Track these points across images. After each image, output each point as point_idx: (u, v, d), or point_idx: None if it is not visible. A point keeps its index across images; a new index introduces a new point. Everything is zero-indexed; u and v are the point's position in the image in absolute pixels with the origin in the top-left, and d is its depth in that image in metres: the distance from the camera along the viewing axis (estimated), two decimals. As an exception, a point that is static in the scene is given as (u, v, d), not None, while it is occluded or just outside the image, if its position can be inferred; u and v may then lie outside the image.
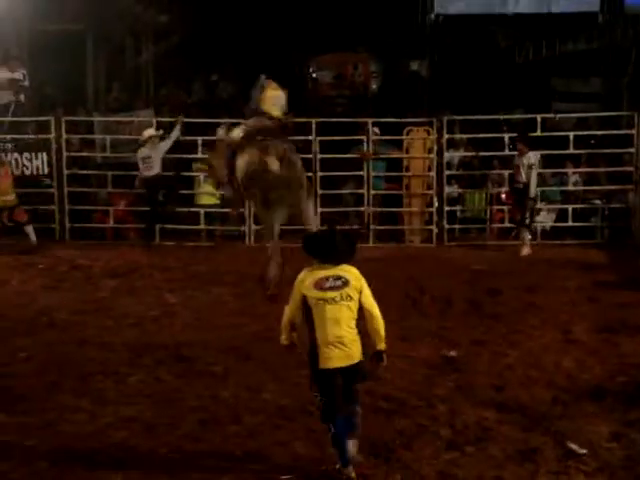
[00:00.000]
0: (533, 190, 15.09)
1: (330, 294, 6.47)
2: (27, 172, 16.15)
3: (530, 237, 15.28)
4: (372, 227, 16.03)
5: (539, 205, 16.10)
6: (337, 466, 6.59)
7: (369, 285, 6.62)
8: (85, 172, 16.57)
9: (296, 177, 11.48)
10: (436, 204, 15.95)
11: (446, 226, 16.00)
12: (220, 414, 7.75)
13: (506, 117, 17.62)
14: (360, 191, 16.15)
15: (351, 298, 6.50)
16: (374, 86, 24.90)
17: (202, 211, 15.95)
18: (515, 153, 15.51)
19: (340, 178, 16.38)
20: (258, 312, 10.74)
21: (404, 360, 9.28)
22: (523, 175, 15.08)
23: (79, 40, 21.40)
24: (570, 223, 15.99)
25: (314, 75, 25.43)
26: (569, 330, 10.38)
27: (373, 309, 6.61)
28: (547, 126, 16.52)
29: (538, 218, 16.11)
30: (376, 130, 16.18)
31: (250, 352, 8.60)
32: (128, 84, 22.05)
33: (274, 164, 11.52)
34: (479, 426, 7.50)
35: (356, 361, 6.56)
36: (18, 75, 17.40)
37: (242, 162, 11.58)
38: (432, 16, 22.86)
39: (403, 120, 16.25)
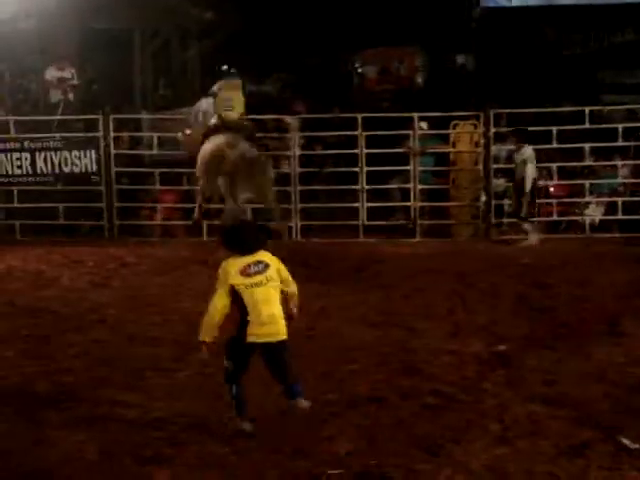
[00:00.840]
0: (528, 184, 14.94)
1: (257, 278, 7.01)
2: (76, 170, 16.33)
3: (529, 227, 15.15)
4: (419, 222, 15.99)
5: (588, 198, 15.99)
6: (238, 421, 7.26)
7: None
8: (133, 169, 16.72)
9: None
10: (483, 198, 15.88)
11: (494, 220, 15.92)
12: (267, 410, 7.76)
13: (554, 110, 17.47)
14: (407, 186, 16.11)
15: (275, 279, 7.07)
16: (420, 80, 24.83)
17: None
18: (561, 146, 15.47)
19: (386, 173, 16.35)
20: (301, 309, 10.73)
21: (453, 355, 9.25)
22: (519, 170, 15.00)
23: (127, 38, 21.59)
24: (620, 216, 15.84)
25: (359, 70, 25.40)
26: (619, 324, 10.28)
27: (290, 284, 7.27)
28: (595, 118, 16.37)
29: (587, 211, 16.00)
30: (423, 125, 16.13)
31: (294, 348, 8.61)
32: (174, 81, 22.18)
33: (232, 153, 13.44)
34: (529, 421, 7.43)
35: (282, 337, 7.12)
36: (67, 74, 17.60)
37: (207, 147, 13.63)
38: (478, 9, 22.67)
39: (449, 114, 16.19)
